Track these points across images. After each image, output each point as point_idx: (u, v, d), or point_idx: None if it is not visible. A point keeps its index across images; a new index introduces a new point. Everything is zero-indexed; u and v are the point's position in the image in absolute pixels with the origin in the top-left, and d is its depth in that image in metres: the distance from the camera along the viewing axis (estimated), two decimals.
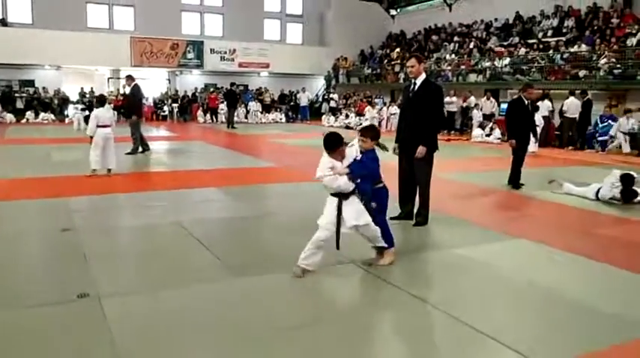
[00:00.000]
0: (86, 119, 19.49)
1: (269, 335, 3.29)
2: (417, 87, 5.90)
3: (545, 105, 15.78)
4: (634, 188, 7.48)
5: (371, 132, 4.56)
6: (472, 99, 19.81)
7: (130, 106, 12.88)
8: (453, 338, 3.34)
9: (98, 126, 9.04)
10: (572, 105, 15.71)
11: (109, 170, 9.15)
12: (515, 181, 8.51)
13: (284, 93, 28.27)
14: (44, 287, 4.05)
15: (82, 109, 20.03)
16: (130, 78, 12.83)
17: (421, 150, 5.80)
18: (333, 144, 4.36)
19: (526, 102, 8.52)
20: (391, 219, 5.96)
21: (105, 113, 9.26)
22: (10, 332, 3.27)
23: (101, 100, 9.73)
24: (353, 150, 4.50)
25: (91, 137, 9.03)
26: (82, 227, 5.70)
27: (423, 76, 5.92)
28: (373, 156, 4.50)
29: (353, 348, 3.19)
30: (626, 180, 7.49)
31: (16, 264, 4.56)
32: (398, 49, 26.85)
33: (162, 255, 4.90)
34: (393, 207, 6.26)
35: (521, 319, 3.67)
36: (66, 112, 23.70)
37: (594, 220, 6.74)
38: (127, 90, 12.90)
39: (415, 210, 6.11)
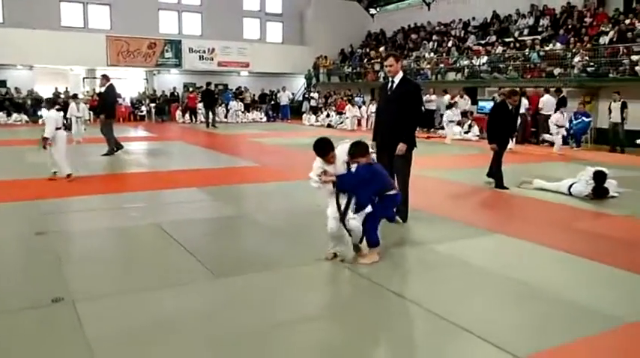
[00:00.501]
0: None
1: (249, 335, 3.26)
2: (395, 85, 5.93)
3: (521, 103, 15.95)
4: (605, 185, 7.64)
5: (359, 151, 4.49)
6: (446, 98, 19.87)
7: (102, 106, 12.66)
8: (429, 331, 3.37)
9: (57, 128, 8.76)
10: (548, 103, 15.95)
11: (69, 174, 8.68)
12: (499, 181, 8.53)
13: (264, 92, 28.16)
14: (18, 292, 3.96)
15: (57, 110, 19.64)
16: (104, 77, 12.63)
17: (402, 147, 5.84)
18: (322, 149, 4.36)
19: (510, 107, 8.60)
20: None
21: (59, 115, 9.05)
22: None
23: (54, 102, 9.48)
24: (342, 151, 4.46)
25: (46, 139, 8.57)
26: (58, 230, 5.61)
27: (401, 74, 5.96)
28: (369, 169, 4.48)
29: (332, 345, 3.18)
30: (599, 177, 7.63)
31: None
32: (382, 48, 26.89)
33: (140, 257, 4.84)
34: None
35: (497, 312, 3.70)
36: (39, 113, 23.24)
37: (571, 215, 6.84)
38: (102, 89, 12.69)
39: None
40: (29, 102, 23.82)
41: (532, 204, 7.46)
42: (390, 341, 3.32)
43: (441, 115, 19.45)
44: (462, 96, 19.29)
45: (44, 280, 4.14)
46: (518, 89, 9.43)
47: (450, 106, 17.77)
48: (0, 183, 8.44)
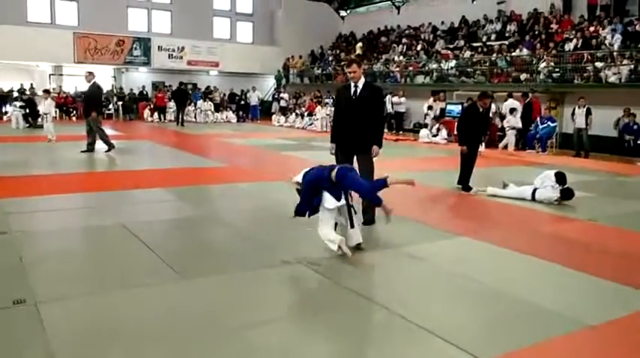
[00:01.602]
0: (25, 117, 18.80)
1: (212, 337, 3.27)
2: (359, 89, 6.07)
3: (490, 107, 16.28)
4: (570, 186, 7.81)
5: None
6: (508, 103, 19.21)
7: (89, 103, 12.47)
8: (393, 333, 3.41)
9: None
10: (509, 108, 16.27)
11: None
12: (464, 182, 8.66)
13: (234, 92, 28.00)
14: None
15: (22, 107, 19.21)
16: (90, 74, 12.51)
17: (376, 149, 6.09)
18: None
19: (480, 109, 8.74)
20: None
21: None
22: None
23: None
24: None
25: None
26: (19, 230, 5.48)
27: (363, 79, 6.13)
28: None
29: (292, 347, 3.21)
30: (562, 179, 7.81)
31: None
32: (360, 44, 27.03)
33: (104, 258, 4.78)
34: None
35: (461, 314, 3.78)
36: (4, 109, 22.65)
37: (535, 219, 7.01)
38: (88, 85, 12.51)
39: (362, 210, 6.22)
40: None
41: (497, 208, 7.62)
42: (353, 344, 3.36)
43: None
44: (442, 100, 19.60)
45: (5, 281, 4.05)
46: (489, 92, 9.52)
47: (511, 111, 16.35)
48: None
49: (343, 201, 4.86)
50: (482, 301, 4.03)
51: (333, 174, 4.75)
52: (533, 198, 7.82)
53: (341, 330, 3.50)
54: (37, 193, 7.39)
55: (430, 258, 4.99)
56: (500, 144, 15.97)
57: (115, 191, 7.89)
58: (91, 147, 11.99)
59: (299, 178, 4.98)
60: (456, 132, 17.37)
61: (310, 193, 4.85)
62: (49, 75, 25.40)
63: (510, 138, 15.64)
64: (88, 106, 12.35)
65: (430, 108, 19.46)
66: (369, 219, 6.12)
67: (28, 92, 22.20)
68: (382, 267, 4.80)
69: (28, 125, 18.72)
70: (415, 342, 3.32)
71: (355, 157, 6.15)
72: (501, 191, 8.20)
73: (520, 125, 15.83)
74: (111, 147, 12.05)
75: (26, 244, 5.01)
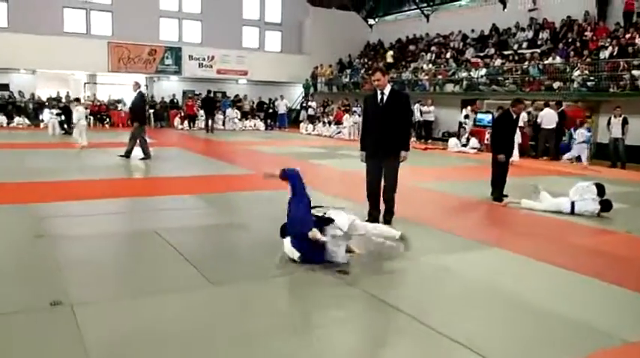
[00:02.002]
0: (61, 124, 19.28)
1: (241, 343, 3.28)
2: (385, 97, 6.21)
3: (520, 116, 16.04)
4: (608, 198, 7.60)
5: None
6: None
7: (134, 113, 12.89)
8: (423, 344, 3.37)
9: None
10: (548, 117, 15.97)
11: None
12: (498, 192, 8.45)
13: (262, 100, 28.24)
14: (16, 294, 3.96)
15: (58, 114, 19.72)
16: (136, 83, 13.00)
17: (405, 154, 6.23)
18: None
19: (514, 116, 8.61)
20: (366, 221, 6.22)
21: None
22: None
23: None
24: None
25: None
26: (56, 233, 5.61)
27: (389, 86, 6.28)
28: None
29: (324, 356, 3.19)
30: (602, 190, 7.56)
31: None
32: (391, 52, 27.00)
33: (137, 263, 4.85)
34: (362, 214, 6.38)
35: (492, 327, 3.71)
36: (41, 117, 23.30)
37: (571, 230, 6.84)
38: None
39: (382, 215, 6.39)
40: (31, 106, 23.88)
41: (530, 219, 7.45)
42: (384, 354, 3.33)
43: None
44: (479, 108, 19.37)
45: (43, 283, 4.15)
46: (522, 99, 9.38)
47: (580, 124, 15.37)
48: (0, 186, 8.45)
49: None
50: (516, 314, 3.94)
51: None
52: (572, 212, 7.51)
53: (370, 340, 3.47)
54: (71, 198, 7.57)
55: (461, 269, 4.91)
56: (565, 156, 15.33)
57: (146, 197, 8.02)
58: (129, 152, 12.29)
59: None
60: (486, 141, 17.34)
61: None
62: (84, 83, 26.05)
63: (582, 151, 14.83)
64: (133, 115, 12.76)
65: (467, 117, 19.17)
66: (386, 221, 6.27)
67: (64, 100, 22.80)
68: (411, 277, 4.75)
69: (63, 132, 19.18)
70: (446, 354, 3.27)
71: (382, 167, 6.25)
72: (536, 204, 7.85)
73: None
74: (147, 157, 12.29)
75: (61, 248, 5.12)
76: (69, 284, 4.11)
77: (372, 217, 6.38)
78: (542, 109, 16.31)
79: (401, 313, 3.80)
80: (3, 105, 23.38)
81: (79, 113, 15.00)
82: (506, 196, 8.36)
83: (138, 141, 12.29)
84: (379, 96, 6.24)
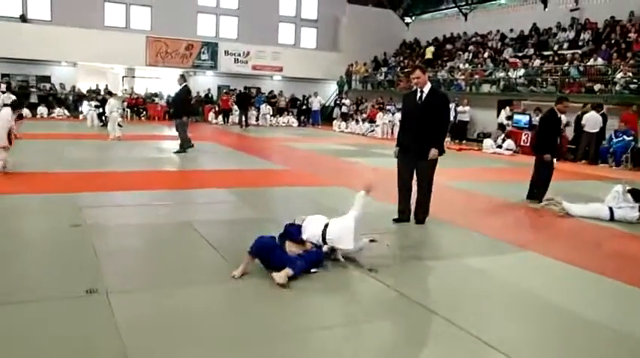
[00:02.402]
0: (99, 116, 19.72)
1: (268, 338, 3.29)
2: (424, 95, 6.17)
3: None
4: None
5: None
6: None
7: (179, 106, 13.08)
8: (455, 346, 3.31)
9: None
10: (592, 120, 15.49)
11: None
12: (540, 195, 8.23)
13: (295, 97, 28.30)
14: (53, 282, 4.07)
15: (96, 106, 20.17)
16: (182, 77, 13.14)
17: (434, 152, 6.13)
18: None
19: (559, 115, 8.39)
20: (393, 221, 6.36)
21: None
22: (18, 324, 3.29)
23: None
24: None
25: None
26: (92, 223, 5.73)
27: (429, 84, 6.23)
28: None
29: (352, 355, 3.17)
30: (638, 195, 7.35)
31: (25, 258, 4.59)
32: (431, 48, 26.74)
33: (170, 254, 4.92)
34: (380, 211, 6.40)
35: (524, 331, 3.64)
36: (80, 109, 23.89)
37: (606, 236, 6.66)
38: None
39: (414, 211, 6.39)
40: (71, 98, 24.51)
41: (566, 223, 7.24)
42: (416, 355, 3.29)
43: None
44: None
45: (79, 271, 4.24)
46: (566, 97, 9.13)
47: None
48: (39, 176, 8.69)
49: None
50: (549, 319, 3.85)
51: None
52: (611, 218, 7.25)
53: (401, 341, 3.43)
54: (108, 189, 7.74)
55: (494, 271, 4.82)
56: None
57: (180, 189, 8.13)
58: (190, 145, 12.53)
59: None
60: (522, 143, 17.01)
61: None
62: (122, 77, 26.57)
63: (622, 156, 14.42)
64: (177, 108, 12.90)
65: (510, 118, 18.78)
66: (420, 219, 6.29)
67: (102, 93, 23.32)
68: (443, 278, 4.68)
69: (102, 124, 19.60)
70: (473, 354, 3.21)
71: (415, 165, 6.23)
72: (575, 208, 7.56)
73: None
74: (183, 150, 12.45)
75: (98, 237, 5.23)
76: (104, 272, 4.20)
77: (404, 215, 6.37)
78: (587, 112, 15.79)
79: (433, 314, 3.74)
80: (44, 96, 24.06)
81: (110, 105, 15.33)
82: (542, 201, 8.15)
83: (179, 133, 12.53)
84: (418, 95, 6.21)
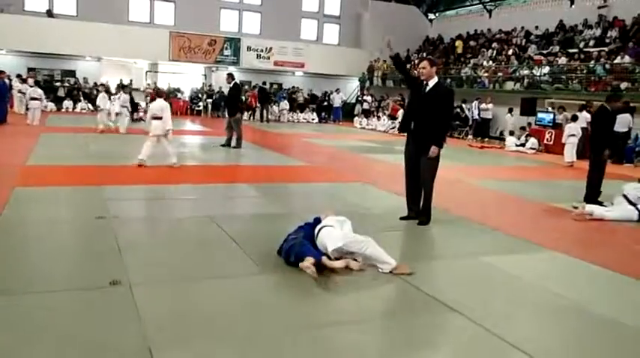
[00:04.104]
0: None
1: (290, 332, 3.31)
2: (428, 88, 6.11)
3: (583, 117, 15.38)
4: None
5: None
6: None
7: (233, 103, 13.43)
8: (474, 344, 3.29)
9: (153, 117, 9.43)
10: (622, 119, 15.13)
11: (173, 163, 9.39)
12: (594, 196, 8.05)
13: (313, 93, 28.24)
14: (78, 273, 4.15)
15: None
16: (230, 76, 13.54)
17: (434, 150, 6.03)
18: None
19: (610, 110, 8.29)
20: (401, 219, 6.27)
21: (157, 105, 9.62)
22: (42, 313, 3.36)
23: (157, 93, 10.02)
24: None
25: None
26: (116, 216, 5.82)
27: (435, 78, 6.15)
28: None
29: (372, 351, 3.18)
30: None
31: (51, 249, 4.68)
32: (460, 42, 26.53)
33: (192, 247, 4.98)
34: (401, 208, 6.38)
35: (546, 331, 3.59)
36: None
37: (634, 236, 6.55)
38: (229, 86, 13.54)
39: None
40: (95, 92, 24.85)
41: (591, 223, 7.09)
42: (438, 353, 3.29)
43: None
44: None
45: (103, 263, 4.32)
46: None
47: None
48: (64, 169, 8.85)
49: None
50: (571, 319, 3.81)
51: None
52: None
53: (420, 337, 3.43)
54: (131, 182, 7.85)
55: (516, 270, 4.77)
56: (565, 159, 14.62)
57: (203, 184, 8.20)
58: (228, 142, 12.99)
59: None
60: (546, 142, 16.77)
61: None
62: (146, 72, 26.86)
63: (567, 148, 14.12)
64: (231, 106, 13.36)
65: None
66: (424, 221, 6.16)
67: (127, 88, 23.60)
68: (465, 276, 4.64)
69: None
70: (496, 354, 3.19)
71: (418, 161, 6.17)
72: (604, 211, 7.31)
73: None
74: (239, 145, 12.88)
75: (122, 229, 5.31)
76: (127, 264, 4.27)
77: (411, 212, 6.32)
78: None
79: (455, 313, 3.72)
80: (69, 90, 24.45)
81: (121, 100, 15.60)
82: (602, 203, 7.87)
83: (229, 130, 13.01)
84: (424, 86, 6.16)
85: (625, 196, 7.49)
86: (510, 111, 19.56)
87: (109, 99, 16.10)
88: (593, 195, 8.13)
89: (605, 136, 8.21)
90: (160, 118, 9.40)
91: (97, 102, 15.72)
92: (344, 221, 4.78)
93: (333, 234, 4.53)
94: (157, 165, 9.52)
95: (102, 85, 19.01)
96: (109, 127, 15.21)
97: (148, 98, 23.25)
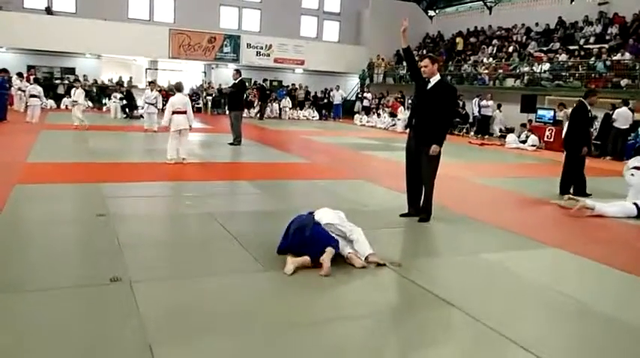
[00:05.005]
0: (123, 108, 19.96)
1: (292, 329, 3.30)
2: (430, 86, 6.10)
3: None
4: None
5: None
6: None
7: (237, 99, 13.47)
8: (477, 341, 3.29)
9: (173, 112, 9.39)
10: (623, 116, 15.16)
11: (184, 159, 9.45)
12: (574, 190, 8.19)
13: (308, 90, 28.17)
14: (78, 270, 4.15)
15: (120, 99, 20.41)
16: (237, 72, 13.61)
17: (435, 148, 6.01)
18: None
19: (589, 108, 8.29)
20: (400, 216, 6.26)
21: (180, 99, 9.58)
22: (43, 310, 3.36)
23: (178, 87, 10.03)
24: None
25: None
26: (116, 213, 5.82)
27: (438, 76, 6.14)
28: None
29: (372, 347, 3.17)
30: None
31: (51, 246, 4.67)
32: (460, 39, 26.46)
33: (192, 244, 4.97)
34: (401, 205, 6.37)
35: (549, 329, 3.59)
36: (104, 100, 24.19)
37: (634, 232, 6.54)
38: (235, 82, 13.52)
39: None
40: (94, 89, 24.83)
41: (592, 220, 7.08)
42: (441, 351, 3.28)
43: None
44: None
45: (103, 260, 4.32)
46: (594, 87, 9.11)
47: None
48: (64, 166, 8.84)
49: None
50: (574, 316, 3.80)
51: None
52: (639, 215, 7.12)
53: (424, 335, 3.43)
54: (132, 179, 7.84)
55: (519, 268, 4.77)
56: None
57: (204, 181, 8.19)
58: (238, 141, 12.94)
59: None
60: (546, 139, 16.75)
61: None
62: (146, 69, 26.83)
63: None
64: (234, 101, 13.35)
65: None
66: (424, 218, 6.14)
67: (125, 85, 23.57)
68: (468, 273, 4.64)
69: (125, 116, 19.86)
70: (497, 351, 3.19)
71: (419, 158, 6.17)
72: (605, 207, 7.26)
73: None
74: (238, 142, 12.86)
75: (122, 226, 5.31)
76: (128, 261, 4.26)
77: (411, 209, 6.30)
78: (619, 107, 15.44)
79: (459, 310, 3.71)
80: (68, 87, 24.39)
81: (78, 94, 15.44)
82: (590, 195, 8.02)
83: (236, 126, 12.95)
84: (427, 84, 6.15)
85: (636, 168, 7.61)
86: (499, 107, 19.62)
87: (86, 95, 16.06)
88: (567, 188, 8.21)
89: (583, 132, 8.22)
90: (183, 112, 9.41)
91: (74, 98, 15.48)
92: (339, 212, 4.92)
93: (329, 213, 4.80)
94: (156, 162, 9.51)
95: (77, 80, 19.15)
96: (84, 124, 14.82)
97: (147, 91, 23.23)
